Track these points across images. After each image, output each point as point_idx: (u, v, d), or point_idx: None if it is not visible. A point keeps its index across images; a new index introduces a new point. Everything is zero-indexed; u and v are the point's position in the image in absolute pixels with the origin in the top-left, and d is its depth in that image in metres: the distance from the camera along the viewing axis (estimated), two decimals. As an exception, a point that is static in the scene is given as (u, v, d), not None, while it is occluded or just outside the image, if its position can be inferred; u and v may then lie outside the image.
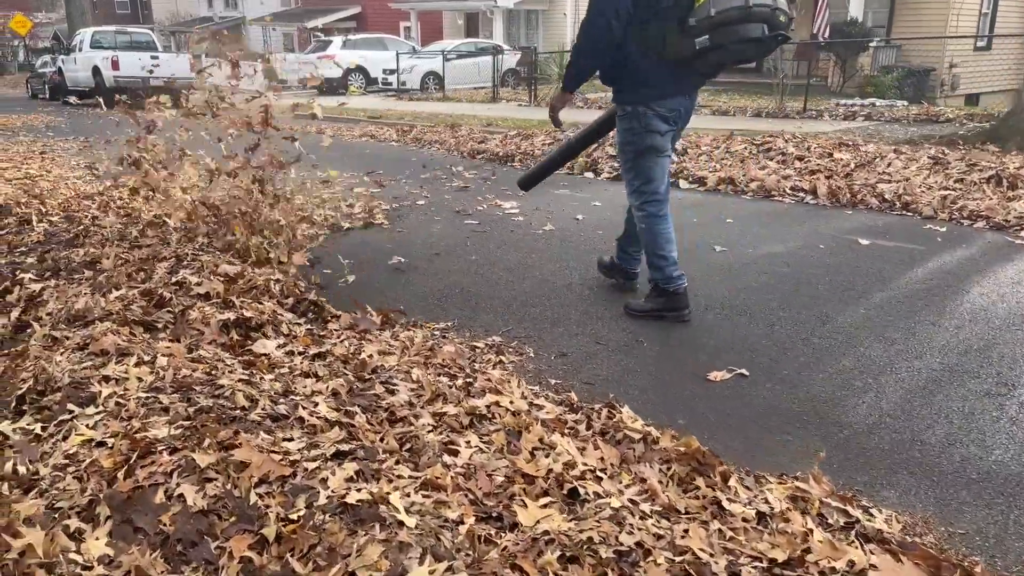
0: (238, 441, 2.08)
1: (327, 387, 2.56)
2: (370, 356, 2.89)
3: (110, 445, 2.07)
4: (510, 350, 3.23)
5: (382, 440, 2.24)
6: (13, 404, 2.36)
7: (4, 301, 3.52)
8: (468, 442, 2.27)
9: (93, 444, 2.09)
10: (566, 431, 2.40)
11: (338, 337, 3.16)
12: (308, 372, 2.72)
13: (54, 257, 4.19)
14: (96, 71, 18.82)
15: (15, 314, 3.30)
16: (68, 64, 20.35)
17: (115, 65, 18.33)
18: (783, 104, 12.34)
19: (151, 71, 18.32)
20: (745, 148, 7.24)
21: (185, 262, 3.87)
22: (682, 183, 6.76)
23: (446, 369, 2.88)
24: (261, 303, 3.38)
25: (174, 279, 3.57)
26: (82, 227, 4.88)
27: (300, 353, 2.91)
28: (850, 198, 5.86)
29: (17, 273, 3.87)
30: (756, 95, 17.25)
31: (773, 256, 4.59)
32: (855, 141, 7.58)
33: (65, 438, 2.13)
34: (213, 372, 2.59)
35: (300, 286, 3.86)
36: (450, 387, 2.66)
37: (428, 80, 21.33)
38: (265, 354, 2.85)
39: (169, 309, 3.23)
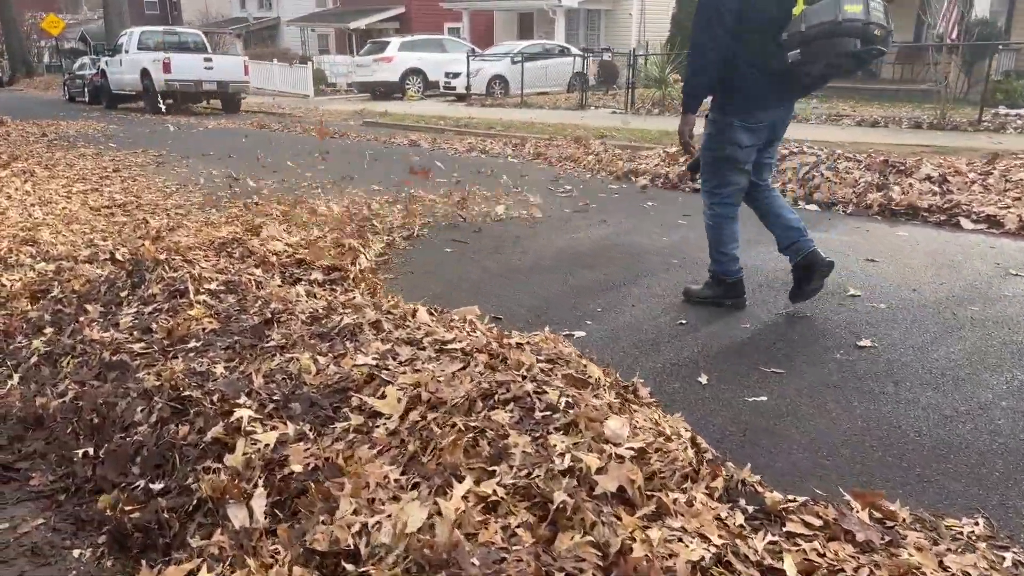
0: None
1: None
2: None
3: None
4: None
5: None
6: None
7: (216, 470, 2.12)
8: None
9: None
10: None
11: None
12: None
13: (252, 362, 2.78)
14: (145, 74, 17.50)
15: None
16: (113, 66, 19.04)
17: (167, 68, 16.98)
18: (946, 115, 10.81)
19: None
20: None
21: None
22: (964, 222, 5.28)
23: None
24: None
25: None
26: (256, 299, 3.48)
27: None
28: None
29: (222, 402, 2.47)
30: (855, 101, 15.75)
31: None
32: None
33: None
34: None
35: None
36: None
37: (494, 84, 19.91)
38: None
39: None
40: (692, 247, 4.89)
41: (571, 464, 1.83)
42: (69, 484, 2.47)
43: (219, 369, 2.79)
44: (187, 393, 2.57)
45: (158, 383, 2.70)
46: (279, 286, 3.83)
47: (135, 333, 3.27)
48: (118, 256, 4.39)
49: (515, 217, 5.93)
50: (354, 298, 3.65)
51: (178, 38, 19.25)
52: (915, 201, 5.62)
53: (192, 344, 3.07)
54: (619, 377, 2.68)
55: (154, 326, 3.30)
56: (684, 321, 3.60)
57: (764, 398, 2.80)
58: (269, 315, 3.24)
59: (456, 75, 20.27)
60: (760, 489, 2.09)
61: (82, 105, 21.78)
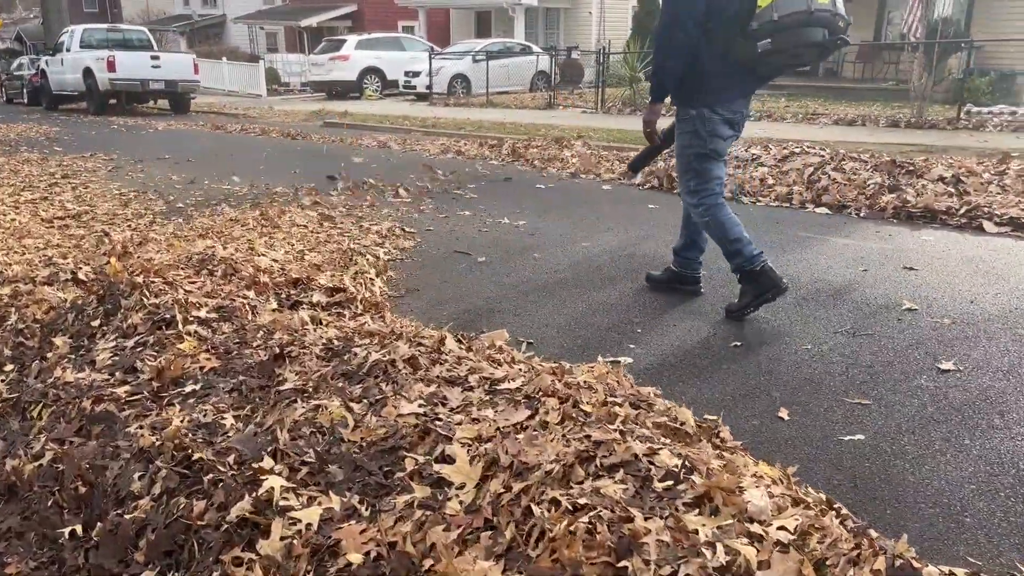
0: None
1: None
2: None
3: None
4: None
5: None
6: None
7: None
8: None
9: None
10: None
11: None
12: None
13: (268, 408, 2.33)
14: (88, 73, 16.57)
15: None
16: (53, 66, 18.03)
17: (111, 66, 16.10)
18: (922, 113, 10.75)
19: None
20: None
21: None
22: (987, 225, 5.06)
23: None
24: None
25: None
26: (258, 329, 3.02)
27: None
28: None
29: (241, 466, 2.03)
30: (823, 99, 15.74)
31: None
32: None
33: None
34: None
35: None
36: None
37: (456, 83, 19.45)
38: None
39: None
40: (715, 254, 4.55)
41: (727, 559, 1.45)
42: (55, 573, 2.01)
43: (228, 420, 2.34)
44: (196, 455, 2.11)
45: (156, 440, 2.23)
46: (276, 311, 3.37)
47: (117, 374, 2.79)
48: (81, 276, 3.87)
49: (516, 225, 5.53)
50: (365, 324, 3.21)
51: (123, 36, 18.33)
52: (932, 203, 5.39)
53: (189, 387, 2.61)
54: (707, 420, 2.31)
55: (139, 364, 2.82)
56: (738, 342, 3.25)
57: (861, 437, 2.45)
58: (277, 349, 2.79)
59: (416, 74, 19.75)
60: (917, 565, 1.74)
61: (21, 107, 20.68)
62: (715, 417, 2.35)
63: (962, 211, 5.27)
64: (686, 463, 1.77)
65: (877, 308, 3.59)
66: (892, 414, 2.59)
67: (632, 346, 3.25)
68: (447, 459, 1.94)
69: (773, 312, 3.57)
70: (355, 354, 2.70)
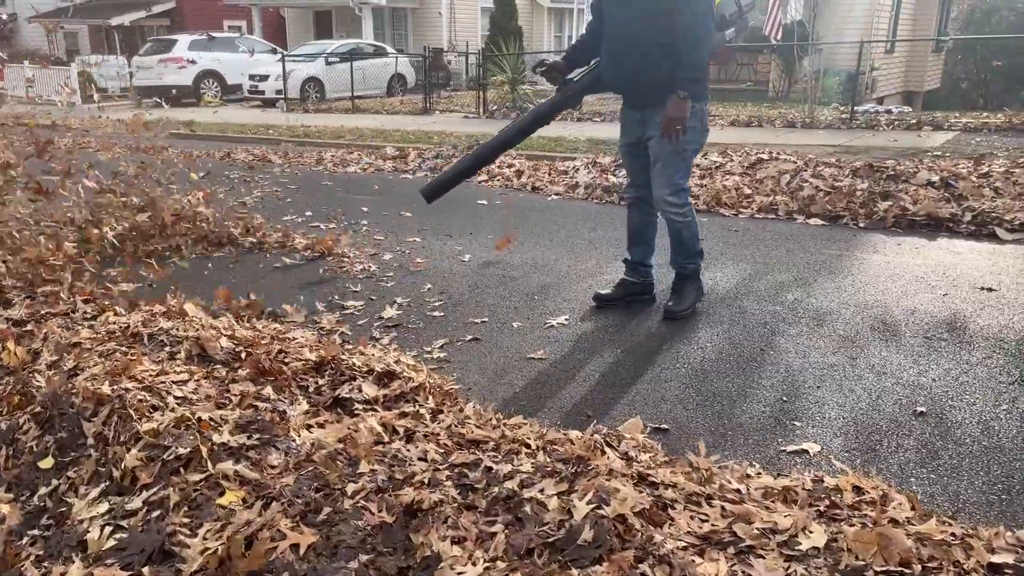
0: None
1: None
2: None
3: None
4: None
5: None
6: None
7: None
8: None
9: None
10: None
11: None
12: None
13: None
14: None
15: None
16: None
17: None
18: (814, 114, 10.92)
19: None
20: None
21: None
22: (1000, 232, 4.85)
23: None
24: None
25: None
26: (327, 459, 2.04)
27: None
28: None
29: None
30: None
31: None
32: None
33: None
34: None
35: None
36: None
37: (308, 87, 17.96)
38: None
39: None
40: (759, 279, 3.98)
41: None
42: None
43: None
44: None
45: None
46: (317, 423, 2.36)
47: (135, 566, 1.71)
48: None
49: (496, 260, 4.70)
50: (468, 429, 2.31)
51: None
52: (935, 211, 5.13)
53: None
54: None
55: (175, 547, 1.75)
56: (923, 409, 2.64)
57: None
58: (408, 501, 1.83)
59: (264, 78, 18.03)
60: None
61: None
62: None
63: (967, 218, 5.04)
64: None
65: (1019, 345, 3.13)
66: None
67: (799, 424, 2.55)
68: None
69: (925, 362, 3.00)
70: (527, 498, 1.80)
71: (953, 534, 1.65)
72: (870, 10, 16.91)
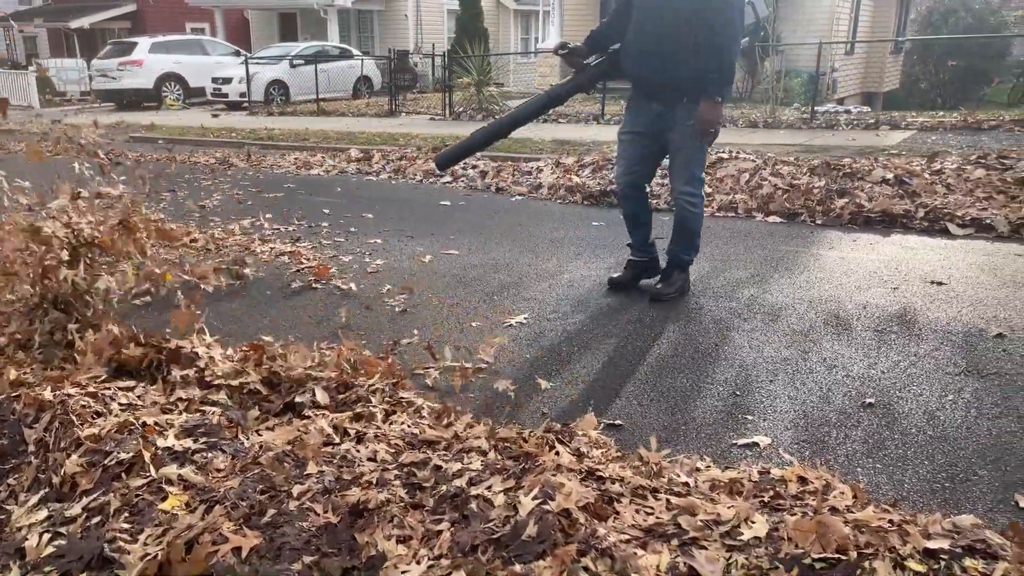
0: None
1: None
2: None
3: None
4: None
5: None
6: None
7: None
8: None
9: None
10: None
11: None
12: None
13: None
14: None
15: None
16: None
17: None
18: (776, 114, 11.06)
19: None
20: (986, 173, 5.57)
21: None
22: (951, 227, 4.94)
23: None
24: None
25: None
26: (261, 457, 2.02)
27: None
28: None
29: None
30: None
31: None
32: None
33: None
34: None
35: None
36: None
37: (273, 90, 17.80)
38: None
39: None
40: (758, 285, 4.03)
41: None
42: None
43: None
44: None
45: None
46: (268, 426, 2.34)
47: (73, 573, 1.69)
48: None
49: (493, 260, 4.69)
50: (422, 430, 2.30)
51: None
52: (889, 207, 5.23)
53: (239, 597, 1.59)
54: None
55: (115, 552, 1.72)
56: (872, 400, 2.68)
57: None
58: (355, 501, 1.82)
59: (227, 81, 17.84)
60: None
61: None
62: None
63: (920, 214, 5.14)
64: None
65: (966, 338, 3.19)
66: None
67: (765, 422, 2.58)
68: None
69: (882, 355, 3.05)
70: (474, 496, 1.80)
71: (891, 521, 1.68)
72: (830, 12, 17.18)
